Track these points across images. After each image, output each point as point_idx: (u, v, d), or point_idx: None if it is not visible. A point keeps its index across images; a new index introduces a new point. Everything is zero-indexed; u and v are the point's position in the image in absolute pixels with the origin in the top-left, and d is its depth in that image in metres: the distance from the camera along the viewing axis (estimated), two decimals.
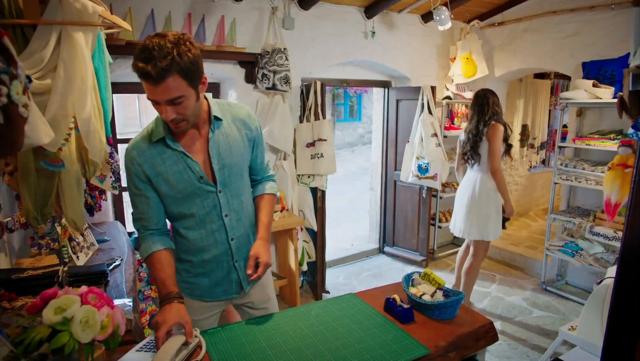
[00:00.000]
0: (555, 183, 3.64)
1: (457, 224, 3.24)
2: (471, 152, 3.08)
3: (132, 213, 1.45)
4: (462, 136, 3.23)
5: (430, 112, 4.01)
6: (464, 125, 4.69)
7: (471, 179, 3.13)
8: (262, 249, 1.46)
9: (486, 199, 3.05)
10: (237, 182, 1.48)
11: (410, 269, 4.34)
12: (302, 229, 3.65)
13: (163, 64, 1.16)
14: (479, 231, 3.08)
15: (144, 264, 2.59)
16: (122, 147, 3.21)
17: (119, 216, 3.14)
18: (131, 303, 1.61)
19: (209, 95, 1.59)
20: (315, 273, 3.74)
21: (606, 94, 3.26)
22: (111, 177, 1.99)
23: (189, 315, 1.32)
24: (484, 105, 3.01)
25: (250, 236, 1.57)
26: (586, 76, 3.55)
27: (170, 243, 1.47)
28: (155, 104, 1.25)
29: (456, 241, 5.10)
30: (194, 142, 1.40)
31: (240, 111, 1.49)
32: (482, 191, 3.04)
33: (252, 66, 3.27)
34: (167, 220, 1.50)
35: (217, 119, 1.41)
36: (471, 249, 3.23)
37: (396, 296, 1.47)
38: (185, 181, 1.38)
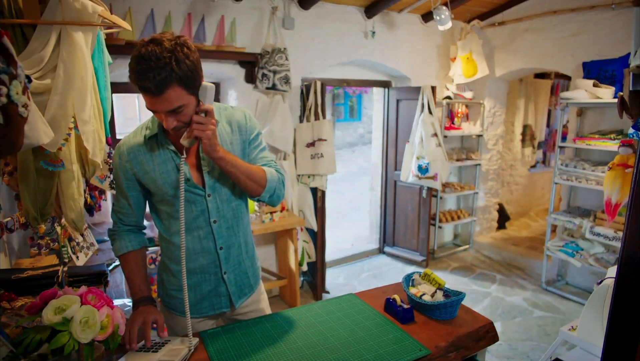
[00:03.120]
0: (556, 183, 3.64)
1: None
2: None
3: (113, 204, 1.45)
4: None
5: (430, 112, 4.01)
6: (464, 125, 4.72)
7: None
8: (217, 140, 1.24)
9: None
10: (228, 187, 1.39)
11: (410, 269, 4.34)
12: (302, 229, 3.65)
13: (162, 75, 1.09)
14: None
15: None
16: None
17: None
18: (131, 303, 1.61)
19: None
20: (315, 273, 3.74)
21: (606, 94, 3.26)
22: (109, 177, 1.99)
23: (173, 332, 1.39)
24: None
25: (242, 247, 1.48)
26: (587, 76, 3.55)
27: (145, 241, 1.50)
28: (155, 112, 1.21)
29: (456, 241, 5.11)
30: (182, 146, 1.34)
31: (236, 112, 1.43)
32: None
33: (252, 65, 3.27)
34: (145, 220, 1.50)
35: None
36: None
37: (396, 297, 1.47)
38: (172, 182, 1.33)
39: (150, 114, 1.28)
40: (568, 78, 5.05)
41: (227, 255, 1.44)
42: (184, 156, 1.27)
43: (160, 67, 1.09)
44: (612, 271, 2.06)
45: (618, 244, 3.15)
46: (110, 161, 1.88)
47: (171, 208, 1.37)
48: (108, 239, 1.50)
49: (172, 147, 1.33)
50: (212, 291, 1.45)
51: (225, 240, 1.42)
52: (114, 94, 1.86)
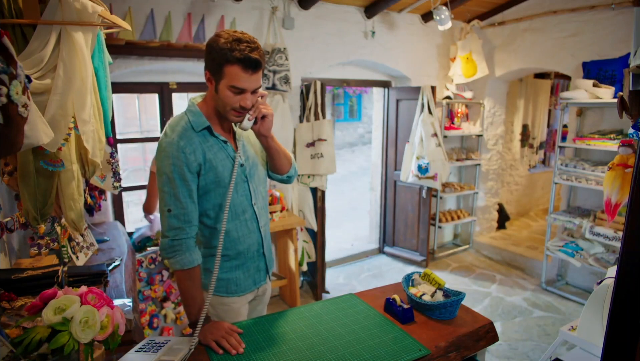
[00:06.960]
0: (556, 183, 3.64)
1: None
2: None
3: (169, 211, 1.35)
4: None
5: (430, 112, 4.01)
6: (464, 125, 4.72)
7: None
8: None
9: None
10: (258, 173, 1.56)
11: (410, 269, 4.34)
12: (302, 229, 3.65)
13: (262, 56, 1.30)
14: None
15: (144, 264, 2.59)
16: (122, 148, 3.22)
17: (119, 216, 3.14)
18: (131, 303, 1.61)
19: None
20: (315, 273, 3.74)
21: (606, 94, 3.26)
22: (111, 177, 1.99)
23: (218, 318, 1.48)
24: None
25: (269, 226, 1.64)
26: (586, 76, 3.55)
27: None
28: (238, 93, 1.31)
29: (456, 241, 5.11)
30: (226, 136, 1.48)
31: None
32: None
33: None
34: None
35: None
36: None
37: (396, 297, 1.47)
38: (229, 169, 1.43)
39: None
40: (568, 78, 5.06)
41: (265, 233, 1.60)
42: (246, 126, 1.38)
43: (259, 49, 1.29)
44: (612, 271, 2.06)
45: (618, 244, 3.15)
46: (112, 160, 1.88)
47: (222, 198, 1.44)
48: (108, 239, 1.50)
49: (222, 137, 1.44)
50: (255, 268, 1.58)
51: (263, 220, 1.57)
52: (114, 94, 1.86)
